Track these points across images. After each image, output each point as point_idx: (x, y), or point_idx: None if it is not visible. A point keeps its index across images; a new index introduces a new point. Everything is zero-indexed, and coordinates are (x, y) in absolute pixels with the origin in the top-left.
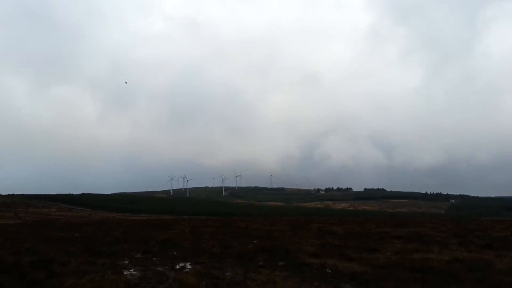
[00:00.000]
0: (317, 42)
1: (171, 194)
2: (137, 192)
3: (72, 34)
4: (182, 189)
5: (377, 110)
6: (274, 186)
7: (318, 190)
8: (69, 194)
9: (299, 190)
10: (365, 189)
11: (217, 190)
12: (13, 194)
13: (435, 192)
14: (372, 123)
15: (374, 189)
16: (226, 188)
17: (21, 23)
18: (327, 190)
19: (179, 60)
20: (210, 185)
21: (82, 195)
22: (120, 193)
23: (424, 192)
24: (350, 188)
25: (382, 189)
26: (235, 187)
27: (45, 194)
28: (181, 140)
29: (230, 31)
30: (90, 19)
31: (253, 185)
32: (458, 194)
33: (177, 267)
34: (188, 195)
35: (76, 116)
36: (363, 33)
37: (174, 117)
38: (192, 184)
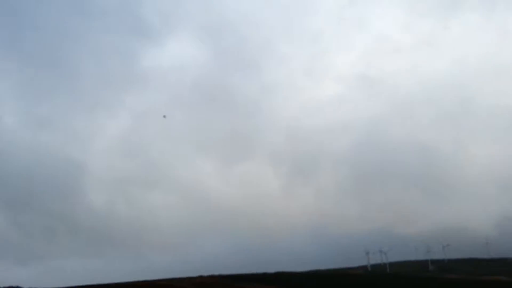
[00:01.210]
0: None
1: (369, 270)
2: (330, 269)
3: (249, 111)
4: (380, 264)
5: None
6: (493, 256)
7: None
8: (263, 273)
9: None
10: None
11: (422, 264)
12: (212, 275)
13: None
14: None
15: None
16: (433, 261)
17: (206, 106)
18: None
19: (359, 121)
20: (412, 258)
21: (277, 273)
22: (313, 270)
23: None
24: None
25: None
26: (444, 259)
27: (241, 274)
28: (372, 207)
29: (410, 82)
30: (264, 93)
31: (466, 255)
32: None
33: None
34: (388, 271)
35: (261, 191)
36: None
37: (361, 183)
38: (392, 258)
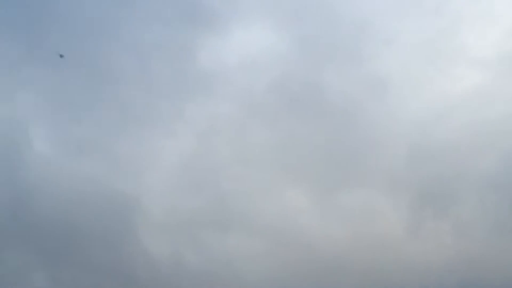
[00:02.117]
0: None
1: None
2: None
3: (352, 118)
4: None
5: None
6: None
7: None
8: None
9: None
10: None
11: None
12: None
13: None
14: None
15: None
16: None
17: (292, 115)
18: None
19: None
20: None
21: None
22: None
23: None
24: None
25: None
26: None
27: None
28: None
29: None
30: (371, 91)
31: None
32: None
33: None
34: None
35: (377, 230)
36: None
37: None
38: None
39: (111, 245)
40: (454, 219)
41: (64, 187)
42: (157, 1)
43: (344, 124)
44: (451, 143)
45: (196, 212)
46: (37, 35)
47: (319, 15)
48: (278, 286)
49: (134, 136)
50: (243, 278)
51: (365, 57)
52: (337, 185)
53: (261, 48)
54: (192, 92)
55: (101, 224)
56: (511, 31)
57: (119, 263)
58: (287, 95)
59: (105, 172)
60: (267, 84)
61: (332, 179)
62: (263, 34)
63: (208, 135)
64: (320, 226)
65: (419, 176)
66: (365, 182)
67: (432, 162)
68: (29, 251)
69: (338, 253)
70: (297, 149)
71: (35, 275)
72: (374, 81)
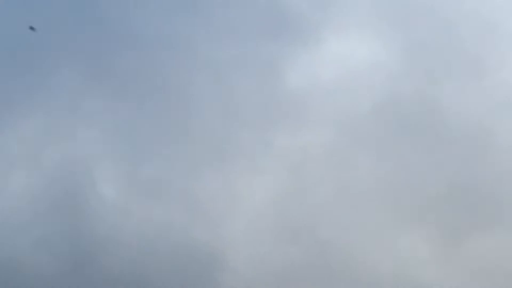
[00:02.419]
0: None
1: None
2: None
3: (478, 144)
4: None
5: None
6: None
7: None
8: None
9: None
10: None
11: None
12: None
13: None
14: None
15: None
16: None
17: (403, 144)
18: None
19: None
20: None
21: None
22: None
23: None
24: None
25: None
26: None
27: None
28: None
29: None
30: (499, 113)
31: None
32: None
33: None
34: None
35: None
36: None
37: None
38: None
39: None
40: None
41: (133, 235)
42: (236, 13)
43: (470, 151)
44: None
45: (290, 263)
46: (99, 61)
47: (432, 17)
48: None
49: (214, 174)
50: None
51: (493, 67)
52: (465, 228)
53: (362, 62)
54: (281, 118)
55: (177, 278)
56: None
57: None
58: (396, 118)
59: (180, 217)
60: (372, 105)
61: (458, 221)
62: (363, 44)
63: (303, 169)
64: (445, 279)
65: None
66: (500, 224)
67: None
68: None
69: None
70: (412, 184)
71: None
72: (505, 97)
